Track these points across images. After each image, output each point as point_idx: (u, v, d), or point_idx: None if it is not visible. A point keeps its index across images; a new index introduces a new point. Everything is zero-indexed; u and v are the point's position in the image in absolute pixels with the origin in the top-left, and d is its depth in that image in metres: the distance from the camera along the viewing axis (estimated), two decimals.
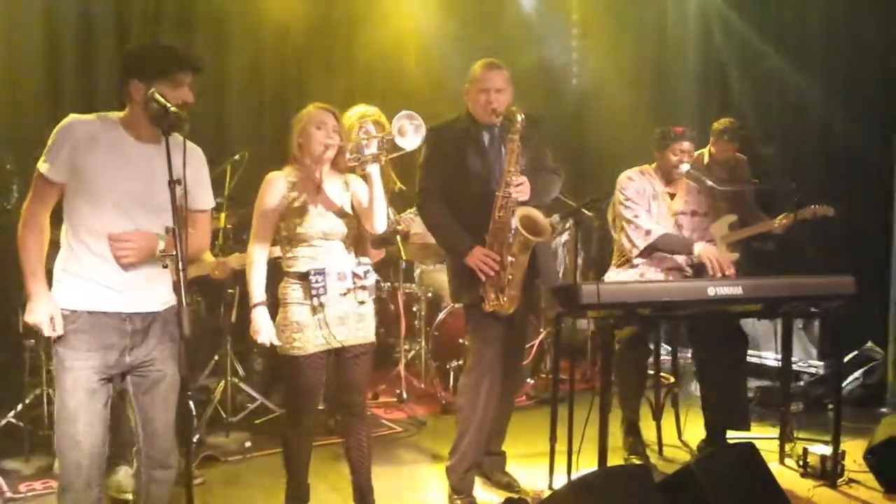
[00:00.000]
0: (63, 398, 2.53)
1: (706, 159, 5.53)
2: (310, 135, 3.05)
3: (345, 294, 3.09)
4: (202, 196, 2.76)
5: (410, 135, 2.87)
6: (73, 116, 2.54)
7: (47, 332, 2.49)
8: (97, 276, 2.53)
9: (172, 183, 2.35)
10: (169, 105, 2.39)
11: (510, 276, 3.44)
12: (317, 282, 3.01)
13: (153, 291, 2.62)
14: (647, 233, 3.97)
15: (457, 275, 3.64)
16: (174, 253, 2.34)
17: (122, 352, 2.57)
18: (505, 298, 3.47)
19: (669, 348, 4.80)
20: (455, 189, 3.58)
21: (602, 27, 7.45)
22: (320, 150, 3.05)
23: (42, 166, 2.50)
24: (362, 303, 3.15)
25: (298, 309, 3.05)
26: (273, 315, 3.11)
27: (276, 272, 3.20)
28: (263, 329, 3.04)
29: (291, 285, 3.07)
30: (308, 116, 3.08)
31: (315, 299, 3.01)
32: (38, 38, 5.03)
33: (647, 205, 4.07)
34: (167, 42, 2.79)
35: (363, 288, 3.13)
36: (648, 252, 4.01)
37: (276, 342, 3.06)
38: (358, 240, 3.22)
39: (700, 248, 3.89)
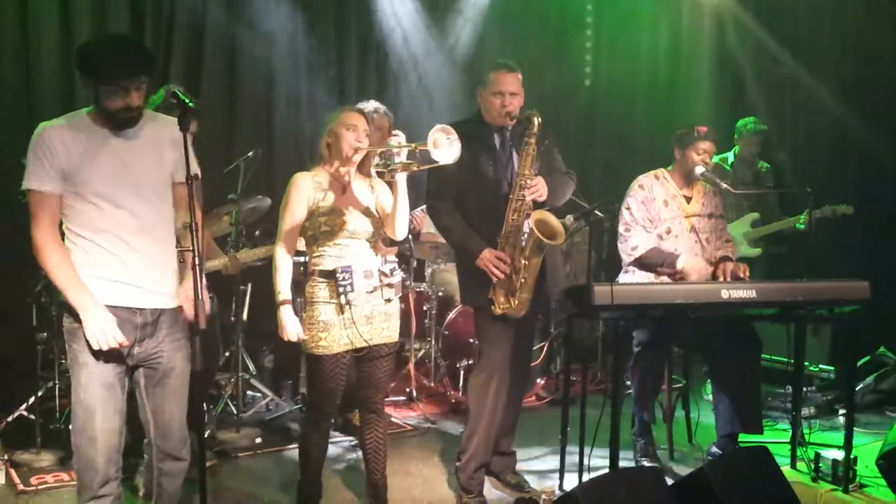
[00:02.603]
0: (79, 394, 2.52)
1: (731, 159, 5.58)
2: (339, 136, 3.08)
3: (371, 292, 3.10)
4: (183, 168, 2.70)
5: (444, 148, 2.87)
6: (42, 126, 2.49)
7: (110, 344, 2.45)
8: (106, 272, 2.53)
9: (190, 180, 2.36)
10: (188, 101, 2.41)
11: (523, 279, 3.44)
12: (344, 279, 3.01)
13: (163, 289, 2.63)
14: (634, 248, 4.00)
15: (467, 277, 3.64)
16: (191, 248, 2.35)
17: (132, 344, 2.57)
18: (516, 301, 3.47)
19: (681, 350, 4.79)
20: (466, 191, 3.58)
21: (616, 29, 7.43)
22: (349, 151, 3.07)
23: (33, 185, 2.44)
24: (388, 301, 3.16)
25: (325, 308, 3.05)
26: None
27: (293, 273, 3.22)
28: (289, 327, 3.07)
29: (318, 284, 3.08)
30: (339, 118, 3.11)
31: (342, 297, 3.02)
32: (51, 44, 5.05)
33: (654, 213, 4.05)
34: (115, 39, 2.66)
35: (389, 286, 3.14)
36: (637, 265, 4.04)
37: (304, 337, 3.08)
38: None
39: (683, 262, 3.89)
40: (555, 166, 3.70)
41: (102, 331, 2.44)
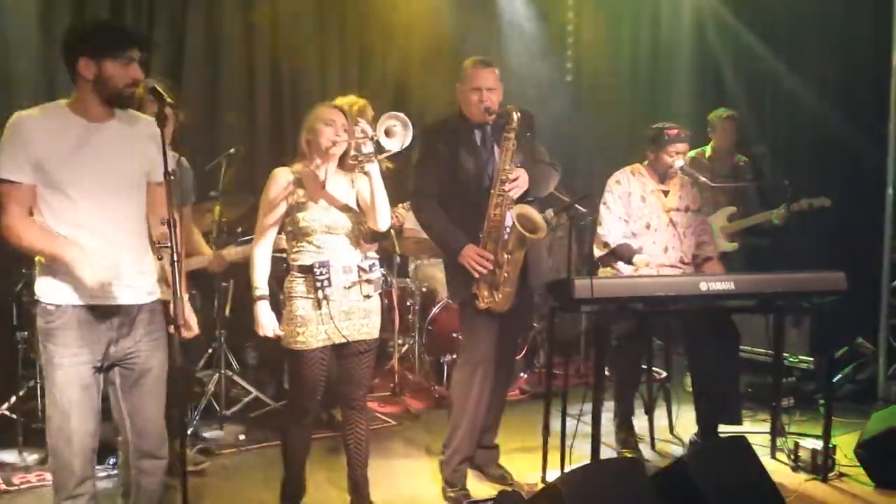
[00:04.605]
0: (55, 394, 2.48)
1: (708, 153, 5.61)
2: (318, 131, 3.10)
3: (349, 287, 3.11)
4: (160, 168, 2.68)
5: (398, 135, 2.97)
6: (17, 114, 2.45)
7: (104, 279, 2.38)
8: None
9: (167, 175, 2.36)
10: (167, 97, 2.40)
11: (506, 274, 3.46)
12: (321, 274, 3.02)
13: (140, 283, 2.60)
14: (605, 245, 4.08)
15: (452, 273, 3.66)
16: (168, 245, 2.34)
17: (108, 344, 2.54)
18: (500, 296, 3.48)
19: (662, 343, 4.83)
20: (448, 188, 3.60)
21: (597, 23, 7.45)
22: (328, 145, 3.08)
23: (4, 174, 2.39)
24: (368, 297, 3.17)
25: (302, 303, 3.06)
26: (278, 311, 3.14)
27: (275, 269, 3.23)
28: (265, 322, 3.09)
29: (296, 279, 3.09)
30: (317, 114, 3.14)
31: (319, 292, 3.03)
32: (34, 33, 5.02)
33: (629, 208, 4.10)
34: (108, 18, 2.67)
35: (368, 282, 3.15)
36: (608, 260, 4.10)
37: (280, 333, 3.10)
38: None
39: (637, 259, 3.95)
40: (538, 158, 3.72)
41: (94, 267, 2.37)
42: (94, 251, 2.42)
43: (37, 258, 2.53)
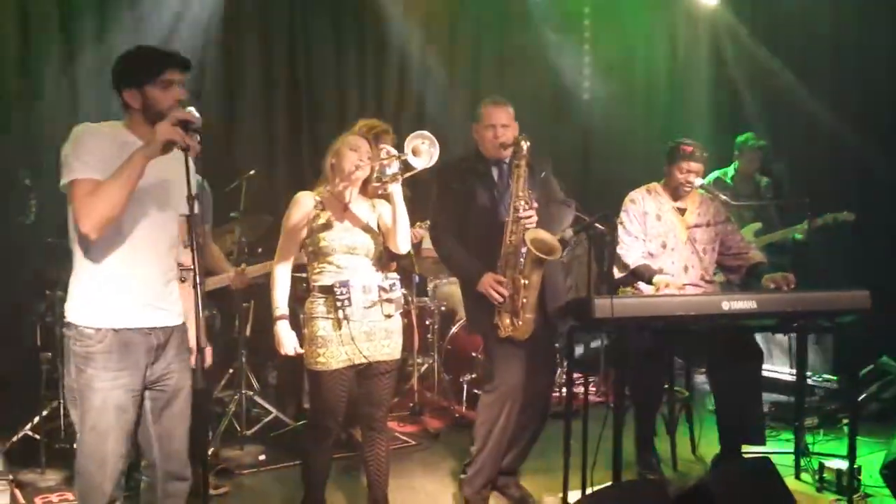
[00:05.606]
0: (91, 417, 2.46)
1: (731, 174, 5.61)
2: (343, 155, 3.17)
3: (369, 307, 3.13)
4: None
5: (424, 154, 3.07)
6: (86, 124, 2.48)
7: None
8: (125, 289, 2.48)
9: (191, 199, 2.37)
10: (199, 129, 2.41)
11: (524, 300, 3.47)
12: (341, 293, 3.05)
13: (172, 304, 2.62)
14: (625, 266, 4.05)
15: (472, 303, 3.70)
16: (191, 268, 2.35)
17: (146, 367, 2.54)
18: (520, 322, 3.49)
19: (683, 362, 4.79)
20: (467, 224, 3.67)
21: (613, 43, 7.48)
22: (351, 168, 3.14)
23: (82, 172, 2.36)
24: (389, 316, 3.18)
25: (323, 323, 3.09)
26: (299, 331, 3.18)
27: (296, 289, 3.26)
28: (286, 341, 3.13)
29: (317, 299, 3.12)
30: (343, 139, 3.22)
31: (339, 311, 3.05)
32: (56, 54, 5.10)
33: (646, 227, 4.08)
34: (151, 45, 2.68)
35: (389, 301, 3.17)
36: (629, 281, 4.08)
37: (301, 351, 3.13)
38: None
39: (657, 279, 3.91)
40: (553, 197, 3.78)
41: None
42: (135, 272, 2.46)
43: (72, 281, 2.51)
